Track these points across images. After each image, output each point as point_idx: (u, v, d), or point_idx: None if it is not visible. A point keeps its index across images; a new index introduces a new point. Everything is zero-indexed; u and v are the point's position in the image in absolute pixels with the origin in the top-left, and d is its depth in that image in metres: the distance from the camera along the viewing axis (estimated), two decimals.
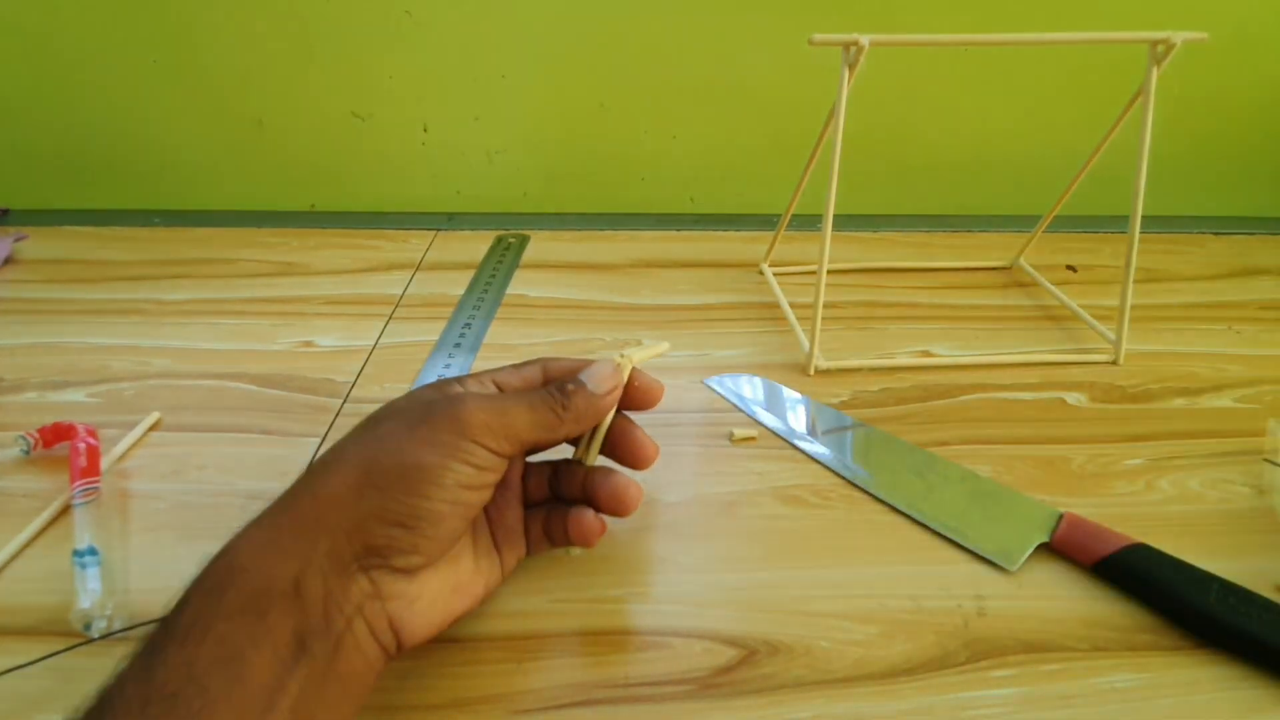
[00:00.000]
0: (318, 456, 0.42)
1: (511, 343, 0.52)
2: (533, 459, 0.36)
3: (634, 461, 0.35)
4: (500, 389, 0.33)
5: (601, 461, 0.35)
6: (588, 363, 0.34)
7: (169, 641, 0.24)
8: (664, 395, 0.35)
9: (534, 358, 0.35)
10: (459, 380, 0.33)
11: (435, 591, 0.29)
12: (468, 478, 0.29)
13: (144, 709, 0.22)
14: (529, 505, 0.35)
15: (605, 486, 0.33)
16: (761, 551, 0.37)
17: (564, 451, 0.35)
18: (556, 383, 0.33)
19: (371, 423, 0.31)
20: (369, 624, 0.27)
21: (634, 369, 0.34)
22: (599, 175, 0.73)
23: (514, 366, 0.35)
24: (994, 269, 0.63)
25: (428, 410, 0.30)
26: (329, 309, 0.56)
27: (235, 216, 0.70)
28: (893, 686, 0.31)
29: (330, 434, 0.44)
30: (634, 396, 0.34)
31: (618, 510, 0.33)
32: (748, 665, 0.32)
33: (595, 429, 0.34)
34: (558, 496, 0.35)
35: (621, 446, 0.35)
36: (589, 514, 0.33)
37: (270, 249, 0.64)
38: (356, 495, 0.27)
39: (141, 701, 0.22)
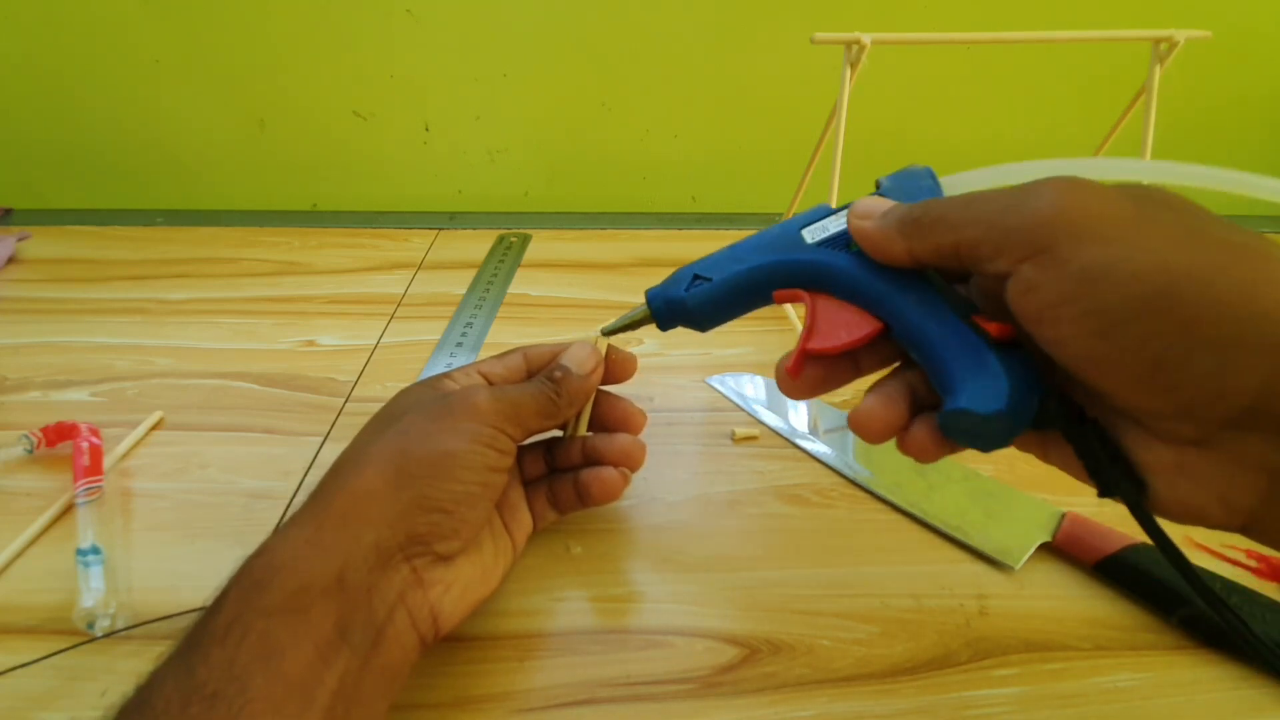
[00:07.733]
0: (323, 454, 0.42)
1: (513, 341, 0.52)
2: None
3: (626, 430, 0.36)
4: (488, 380, 0.34)
5: None
6: (565, 346, 0.35)
7: (209, 640, 0.24)
8: (637, 368, 0.37)
9: (512, 348, 0.36)
10: (448, 375, 0.34)
11: (469, 577, 0.30)
12: (493, 460, 0.30)
13: (185, 709, 0.22)
14: (526, 483, 0.36)
15: (613, 447, 0.35)
16: (763, 551, 0.37)
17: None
18: (545, 371, 0.34)
19: (387, 419, 0.32)
20: (410, 613, 0.28)
21: (608, 345, 0.36)
22: (600, 174, 0.73)
23: (496, 358, 0.36)
24: None
25: (445, 402, 0.31)
26: (331, 308, 0.56)
27: (237, 216, 0.70)
28: (894, 686, 0.31)
29: (332, 433, 0.44)
30: (610, 370, 0.36)
31: (627, 466, 0.35)
32: (749, 664, 0.32)
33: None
34: (554, 470, 0.36)
35: (610, 418, 0.36)
36: (609, 469, 0.35)
37: (272, 248, 0.64)
38: (394, 487, 0.28)
39: (182, 701, 0.22)
